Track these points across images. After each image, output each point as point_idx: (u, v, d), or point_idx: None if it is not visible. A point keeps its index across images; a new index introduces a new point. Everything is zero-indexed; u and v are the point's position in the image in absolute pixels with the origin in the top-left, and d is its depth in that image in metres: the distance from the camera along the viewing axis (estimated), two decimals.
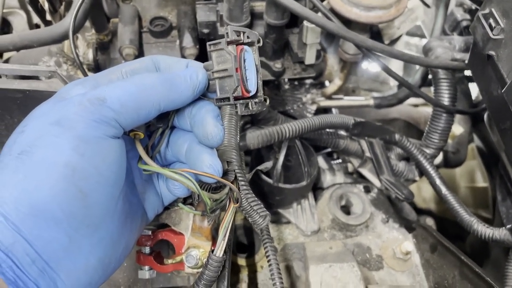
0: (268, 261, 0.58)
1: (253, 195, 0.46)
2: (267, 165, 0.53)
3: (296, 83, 0.95)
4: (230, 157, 0.46)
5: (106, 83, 0.42)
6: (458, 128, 1.13)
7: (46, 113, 0.39)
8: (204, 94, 0.47)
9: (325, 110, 1.11)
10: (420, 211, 1.33)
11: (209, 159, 0.44)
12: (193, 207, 0.52)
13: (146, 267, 0.56)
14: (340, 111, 1.18)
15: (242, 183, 0.47)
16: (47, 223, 0.35)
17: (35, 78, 0.71)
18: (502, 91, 0.60)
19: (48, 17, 0.91)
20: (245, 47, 0.45)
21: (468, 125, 1.18)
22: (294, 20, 0.84)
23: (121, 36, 0.87)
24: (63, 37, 0.74)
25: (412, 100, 1.35)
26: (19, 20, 1.02)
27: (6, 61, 0.88)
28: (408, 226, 0.84)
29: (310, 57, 0.83)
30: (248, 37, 0.45)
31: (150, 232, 0.56)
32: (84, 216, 0.37)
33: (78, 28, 0.76)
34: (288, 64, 0.88)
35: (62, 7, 0.90)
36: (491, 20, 0.60)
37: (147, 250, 0.56)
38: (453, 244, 0.72)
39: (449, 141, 1.14)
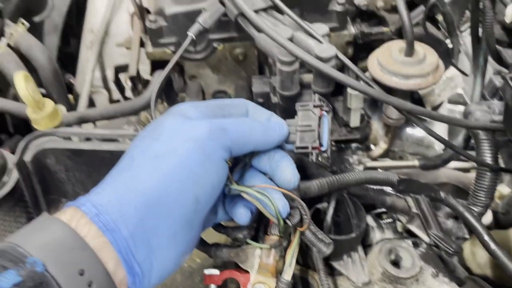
0: None
1: (316, 226, 0.54)
2: (324, 204, 0.62)
3: (342, 145, 1.04)
4: (294, 194, 0.56)
5: (219, 116, 0.53)
6: (505, 189, 1.14)
7: (179, 128, 0.49)
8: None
9: None
10: None
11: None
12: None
13: None
14: None
15: (305, 216, 0.57)
16: (166, 216, 0.44)
17: (116, 141, 0.84)
18: None
19: (127, 93, 1.07)
20: (324, 112, 0.56)
21: None
22: (339, 89, 0.95)
23: None
24: (142, 109, 0.89)
25: (461, 165, 1.37)
26: (102, 98, 1.20)
27: None
28: (459, 282, 0.85)
29: (354, 120, 0.92)
30: (326, 106, 0.57)
31: (218, 272, 0.63)
32: (190, 217, 0.46)
33: (156, 100, 0.90)
34: (334, 127, 0.97)
35: (140, 85, 1.06)
36: None
37: None
38: None
39: (498, 201, 1.15)
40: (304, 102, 0.56)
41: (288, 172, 0.54)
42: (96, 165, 0.79)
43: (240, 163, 0.58)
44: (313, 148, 0.54)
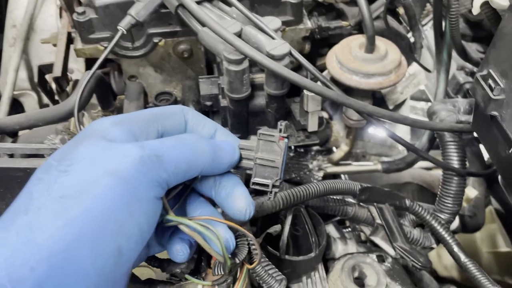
0: None
1: (267, 259, 0.46)
2: (276, 228, 0.53)
3: (301, 150, 0.95)
4: (242, 224, 0.47)
5: (151, 134, 0.42)
6: (472, 191, 1.09)
7: (97, 158, 0.37)
8: None
9: (333, 177, 1.09)
10: (442, 280, 1.26)
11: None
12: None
13: None
14: (349, 177, 1.16)
15: (254, 246, 0.48)
16: (76, 277, 0.33)
17: (40, 156, 0.72)
18: (510, 151, 0.58)
19: (57, 97, 0.94)
20: (286, 140, 0.46)
21: (483, 188, 1.15)
22: (295, 90, 0.85)
23: (126, 112, 0.89)
24: (68, 115, 0.76)
25: (425, 164, 1.33)
26: (30, 101, 1.06)
27: (14, 140, 0.90)
28: None
29: (312, 124, 0.83)
30: (287, 130, 0.47)
31: None
32: (110, 274, 0.35)
33: (83, 106, 0.78)
34: (291, 132, 0.88)
35: (69, 87, 0.93)
36: (490, 81, 0.60)
37: None
38: None
39: (465, 204, 1.10)
40: (267, 131, 0.46)
41: (241, 201, 0.44)
42: (8, 185, 0.67)
43: (178, 186, 0.48)
44: (274, 186, 0.45)
